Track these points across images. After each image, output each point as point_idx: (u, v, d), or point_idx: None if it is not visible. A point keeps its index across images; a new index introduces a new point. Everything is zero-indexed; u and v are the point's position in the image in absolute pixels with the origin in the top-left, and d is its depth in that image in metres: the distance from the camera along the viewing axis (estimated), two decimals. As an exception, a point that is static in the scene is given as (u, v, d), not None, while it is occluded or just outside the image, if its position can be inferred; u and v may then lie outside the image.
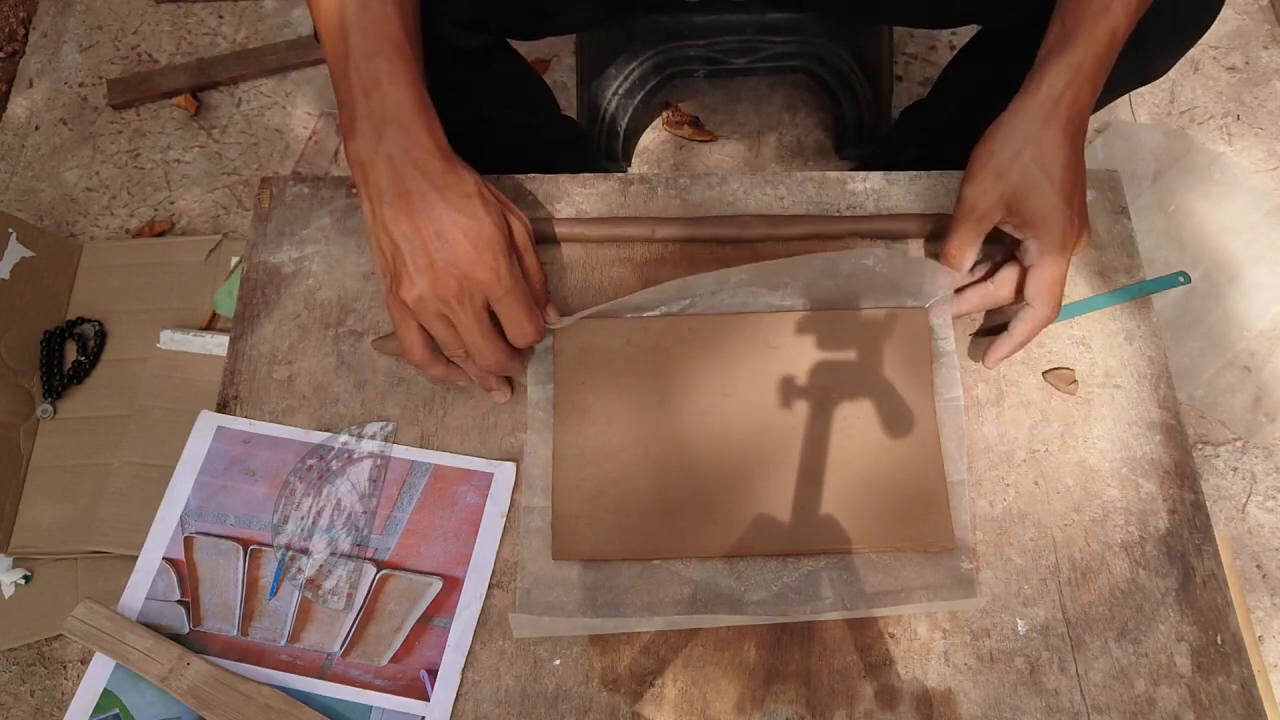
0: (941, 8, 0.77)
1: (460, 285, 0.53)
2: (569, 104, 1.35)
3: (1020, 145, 0.56)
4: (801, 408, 0.60)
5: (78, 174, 1.35)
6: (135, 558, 0.58)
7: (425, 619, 0.57)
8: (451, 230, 0.52)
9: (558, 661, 0.56)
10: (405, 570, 0.58)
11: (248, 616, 0.57)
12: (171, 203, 1.32)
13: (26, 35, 1.46)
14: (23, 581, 1.04)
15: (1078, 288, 0.66)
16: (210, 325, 1.16)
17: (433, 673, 0.55)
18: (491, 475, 0.60)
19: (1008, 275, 0.60)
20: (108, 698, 0.55)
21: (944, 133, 0.96)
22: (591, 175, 0.70)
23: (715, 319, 0.63)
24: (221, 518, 0.60)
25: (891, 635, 0.56)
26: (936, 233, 0.66)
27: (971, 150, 0.59)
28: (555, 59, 1.41)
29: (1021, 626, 0.57)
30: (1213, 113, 1.35)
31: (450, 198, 0.53)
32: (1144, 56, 0.70)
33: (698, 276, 0.61)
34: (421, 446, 0.61)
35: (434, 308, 0.53)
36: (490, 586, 0.58)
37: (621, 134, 1.22)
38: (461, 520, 0.59)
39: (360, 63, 0.53)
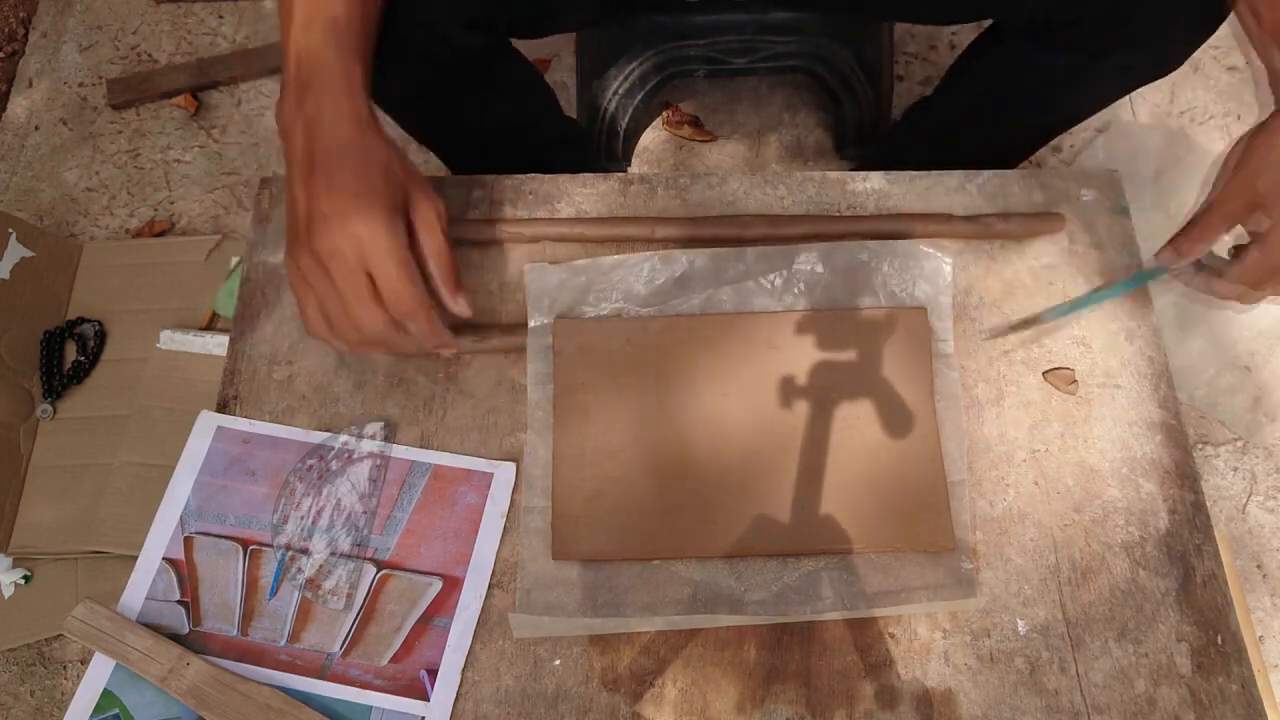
0: (955, 2, 0.77)
1: (334, 243, 0.53)
2: (569, 104, 1.35)
3: (1272, 149, 0.55)
4: (801, 408, 0.60)
5: (78, 174, 1.35)
6: (135, 558, 0.58)
7: (425, 619, 0.57)
8: (342, 189, 0.53)
9: (558, 661, 0.56)
10: (405, 570, 0.58)
11: (247, 616, 0.57)
12: (171, 203, 1.32)
13: (26, 35, 1.46)
14: (23, 581, 1.04)
15: (1079, 288, 0.66)
16: (210, 325, 1.16)
17: (433, 673, 0.55)
18: (491, 475, 0.60)
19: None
20: (108, 698, 0.55)
21: (953, 130, 0.96)
22: (591, 175, 0.70)
23: (715, 319, 0.63)
24: (221, 518, 0.60)
25: (891, 635, 0.56)
26: (936, 233, 0.66)
27: (988, 150, 0.57)
28: (555, 59, 1.41)
29: (1021, 626, 0.57)
30: (1213, 113, 1.35)
31: (351, 162, 0.53)
32: (1163, 48, 0.70)
33: (691, 251, 0.62)
34: (421, 446, 0.61)
35: (313, 265, 0.53)
36: (490, 586, 0.58)
37: (621, 134, 1.22)
38: (461, 520, 0.59)
39: (299, 31, 0.55)
